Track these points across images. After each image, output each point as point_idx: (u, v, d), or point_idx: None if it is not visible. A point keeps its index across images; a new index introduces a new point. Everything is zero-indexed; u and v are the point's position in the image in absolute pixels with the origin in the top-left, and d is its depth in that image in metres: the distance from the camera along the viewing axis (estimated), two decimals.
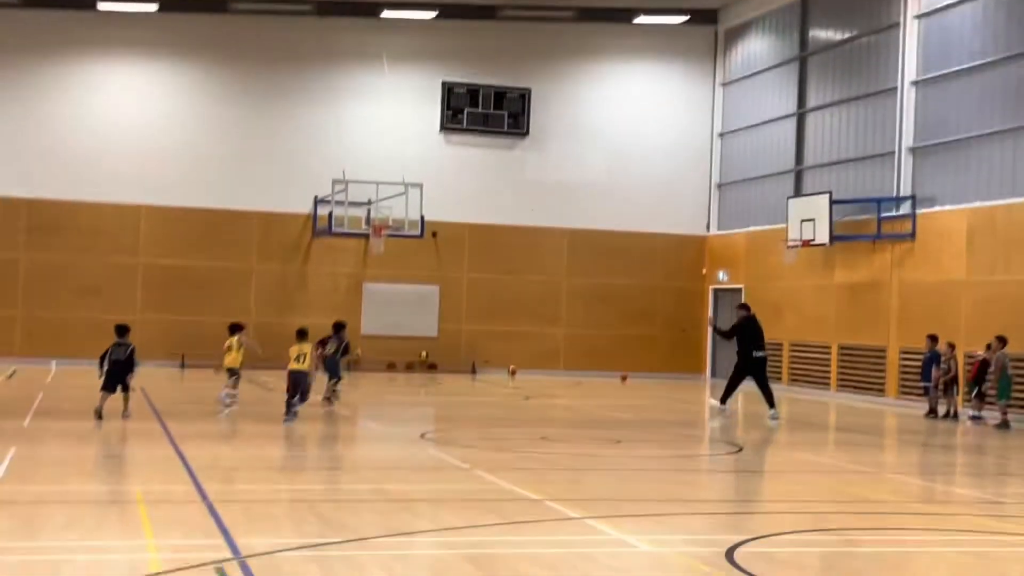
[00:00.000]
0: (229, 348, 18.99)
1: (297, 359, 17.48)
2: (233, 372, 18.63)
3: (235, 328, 19.43)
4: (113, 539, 8.83)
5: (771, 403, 20.58)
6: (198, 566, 7.88)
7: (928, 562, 8.99)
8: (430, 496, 11.23)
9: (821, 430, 20.75)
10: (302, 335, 17.97)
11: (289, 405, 17.30)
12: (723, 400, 21.45)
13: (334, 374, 20.13)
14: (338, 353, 20.44)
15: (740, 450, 16.28)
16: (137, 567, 7.90)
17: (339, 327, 20.63)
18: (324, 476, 12.54)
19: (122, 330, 17.47)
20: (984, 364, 20.94)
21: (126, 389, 17.01)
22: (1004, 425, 20.24)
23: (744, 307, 22.46)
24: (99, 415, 16.43)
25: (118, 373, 16.83)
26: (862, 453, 16.74)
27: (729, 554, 8.78)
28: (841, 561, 8.87)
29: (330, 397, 19.77)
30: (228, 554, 8.29)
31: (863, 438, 18.94)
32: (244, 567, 7.95)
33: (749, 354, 21.05)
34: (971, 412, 21.21)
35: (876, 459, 16.39)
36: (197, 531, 9.10)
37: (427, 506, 10.57)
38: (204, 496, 10.62)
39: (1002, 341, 20.70)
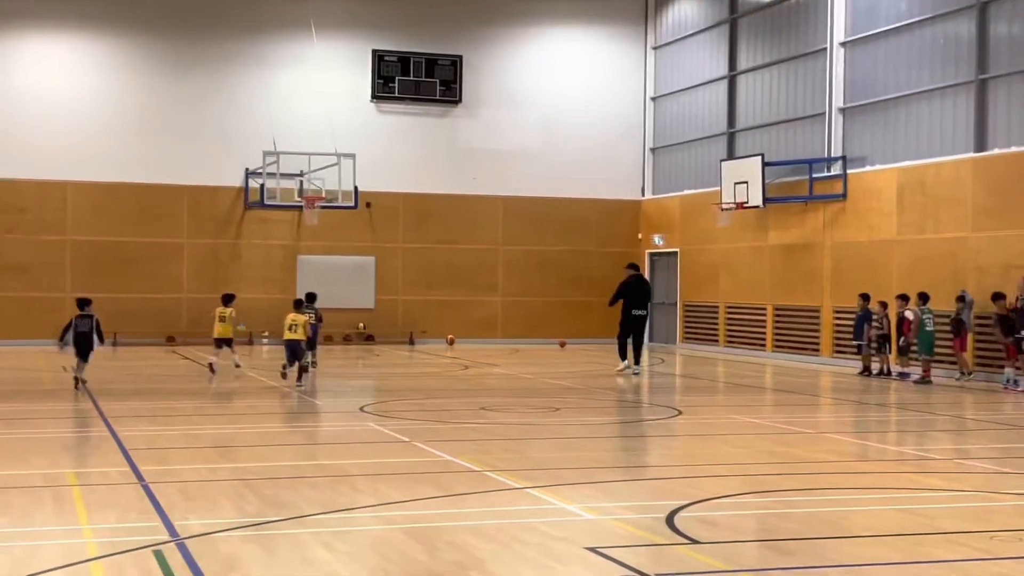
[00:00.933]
0: (222, 318, 20.80)
1: (291, 328, 18.52)
2: (225, 342, 20.75)
3: (228, 298, 21.31)
4: (47, 524, 8.73)
5: (637, 360, 22.45)
6: (136, 549, 7.83)
7: (863, 520, 9.14)
8: (370, 470, 11.21)
9: (758, 392, 21.01)
10: (298, 305, 19.48)
11: (300, 371, 18.69)
12: (623, 358, 22.55)
13: (311, 346, 20.36)
14: (316, 324, 20.88)
15: (679, 414, 16.43)
16: (73, 552, 7.82)
17: (312, 298, 21.10)
18: (262, 453, 12.46)
19: (83, 303, 18.47)
20: (902, 320, 21.38)
21: (85, 357, 17.98)
22: (925, 381, 20.66)
23: (632, 267, 23.72)
24: (77, 383, 17.76)
25: (86, 342, 17.92)
26: (798, 413, 16.98)
27: (669, 519, 8.89)
28: (779, 523, 8.99)
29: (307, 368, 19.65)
30: (166, 536, 8.24)
31: (799, 398, 19.21)
32: (182, 548, 7.90)
33: (629, 312, 22.43)
34: (896, 369, 21.81)
35: (812, 419, 16.63)
36: (133, 513, 9.03)
37: (367, 480, 10.56)
38: (140, 477, 10.52)
39: (923, 298, 21.12)
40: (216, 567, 7.43)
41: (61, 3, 29.55)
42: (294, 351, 18.62)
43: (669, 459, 12.95)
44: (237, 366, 21.27)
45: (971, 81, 22.50)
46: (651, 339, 32.22)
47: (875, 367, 22.35)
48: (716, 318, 29.98)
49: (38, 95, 29.32)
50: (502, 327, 32.55)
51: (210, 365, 20.76)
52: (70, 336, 18.17)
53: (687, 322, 31.40)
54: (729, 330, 29.53)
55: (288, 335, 18.62)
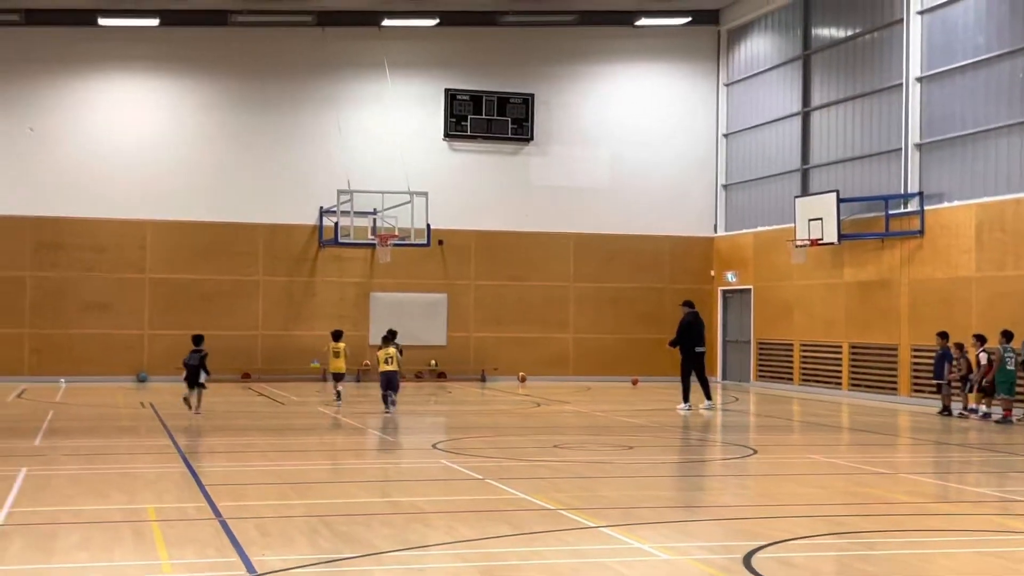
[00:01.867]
0: (336, 354, 22.73)
1: (386, 361, 20.65)
2: (340, 376, 22.79)
3: (338, 335, 23.32)
4: (127, 559, 8.83)
5: (708, 395, 22.73)
6: None
7: (947, 563, 8.96)
8: (443, 507, 11.22)
9: (834, 431, 20.70)
10: (387, 339, 21.12)
11: (385, 398, 20.72)
12: (685, 399, 22.49)
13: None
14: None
15: (754, 453, 16.25)
16: None
17: (393, 334, 21.87)
18: (337, 489, 12.53)
19: (196, 339, 20.76)
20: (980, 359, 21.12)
21: (195, 387, 20.07)
22: (1006, 421, 20.26)
23: (689, 304, 23.64)
24: (187, 403, 20.10)
25: (193, 374, 19.99)
26: (876, 453, 16.70)
27: (746, 560, 8.78)
28: (859, 565, 8.84)
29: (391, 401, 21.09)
30: (243, 572, 8.31)
31: (877, 438, 18.90)
32: None
33: (692, 350, 22.71)
34: (977, 408, 21.52)
35: (891, 459, 16.33)
36: (211, 549, 9.11)
37: (440, 518, 10.57)
38: (217, 513, 10.63)
39: (1006, 336, 20.78)
40: None
41: (139, 46, 30.28)
42: (390, 381, 20.65)
43: (744, 498, 12.79)
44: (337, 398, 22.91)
45: None
46: (724, 377, 32.03)
47: (955, 407, 21.95)
48: (791, 356, 29.66)
49: (118, 136, 30.03)
50: (573, 364, 32.48)
51: (337, 394, 22.86)
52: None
53: (761, 360, 31.10)
54: (804, 368, 29.19)
55: (384, 367, 20.59)
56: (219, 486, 12.26)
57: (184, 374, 20.17)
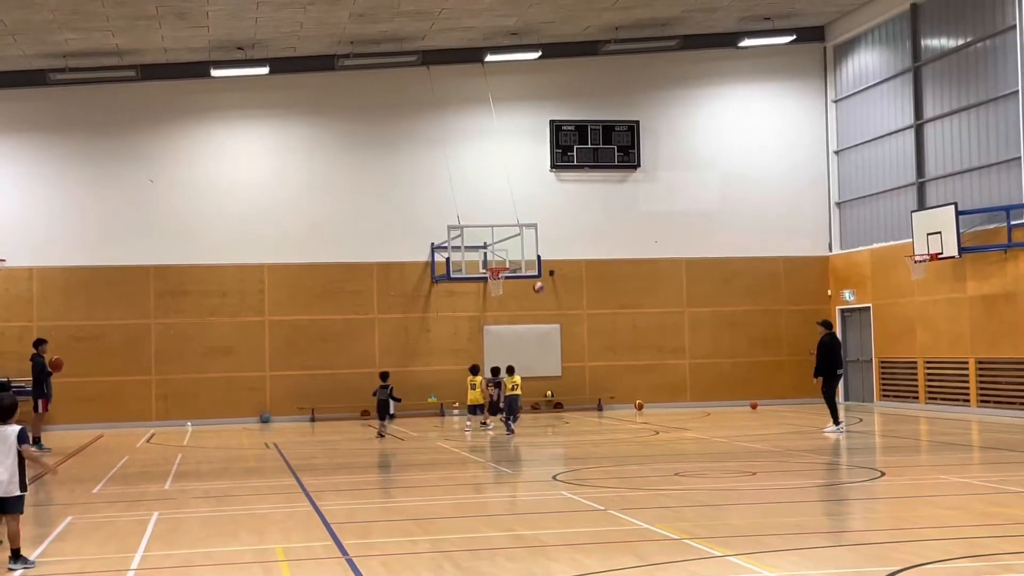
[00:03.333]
0: (473, 387, 25.11)
1: (512, 387, 24.11)
2: (477, 409, 25.27)
3: (476, 369, 25.63)
4: None
5: (836, 418, 22.61)
6: None
7: None
8: (566, 540, 11.16)
9: (965, 449, 20.09)
10: (510, 371, 24.46)
11: (507, 423, 23.98)
12: (836, 421, 22.52)
13: (512, 411, 24.45)
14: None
15: (882, 475, 15.86)
16: None
17: (511, 370, 24.71)
18: (458, 524, 12.54)
19: (383, 375, 25.00)
20: None
21: (385, 417, 24.23)
22: None
23: (826, 324, 23.35)
24: (380, 434, 23.94)
25: (384, 407, 24.12)
26: (1012, 471, 16.15)
27: None
28: None
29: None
30: None
31: (1011, 455, 18.29)
32: None
33: (833, 371, 22.40)
34: None
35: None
36: None
37: (564, 550, 10.52)
38: (344, 551, 10.73)
39: None
40: None
41: (251, 95, 31.03)
42: (512, 405, 23.98)
43: (875, 523, 12.46)
44: (484, 423, 25.32)
45: None
46: (847, 398, 31.38)
47: None
48: (915, 374, 28.95)
49: (233, 183, 30.77)
50: (691, 390, 32.18)
51: (483, 422, 25.21)
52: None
53: (884, 379, 30.41)
54: (929, 386, 28.46)
55: (510, 392, 24.09)
56: (344, 524, 12.39)
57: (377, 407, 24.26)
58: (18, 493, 10.53)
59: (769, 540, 10.74)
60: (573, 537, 11.38)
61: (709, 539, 10.78)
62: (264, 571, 10.01)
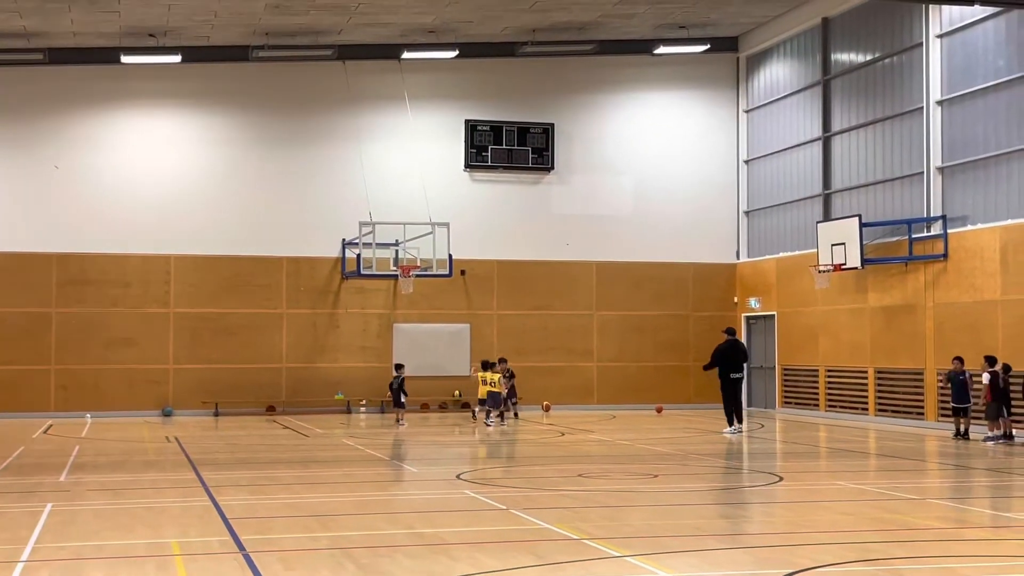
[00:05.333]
0: (484, 381, 25.75)
1: (490, 383, 25.49)
2: (483, 401, 25.82)
3: (487, 365, 26.24)
4: None
5: (740, 419, 23.92)
6: None
7: None
8: (467, 538, 11.15)
9: (861, 457, 20.49)
10: (487, 366, 26.04)
11: (487, 414, 25.76)
12: (730, 423, 23.66)
13: (511, 396, 27.41)
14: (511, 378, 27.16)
15: (780, 480, 16.11)
16: None
17: (502, 361, 27.00)
18: (360, 521, 12.46)
19: (397, 367, 26.80)
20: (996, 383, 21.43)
21: (397, 405, 26.22)
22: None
23: (729, 331, 24.75)
24: (397, 421, 26.18)
25: (396, 395, 26.19)
26: (904, 479, 16.51)
27: None
28: None
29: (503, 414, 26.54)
30: None
31: (904, 463, 18.69)
32: None
33: (728, 376, 23.71)
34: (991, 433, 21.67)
35: (919, 484, 16.15)
36: None
37: (464, 549, 10.50)
38: (241, 547, 10.58)
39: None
40: None
41: (162, 83, 30.54)
42: (495, 400, 25.58)
43: (771, 526, 12.64)
44: (487, 425, 25.67)
45: None
46: (750, 404, 31.82)
47: (977, 430, 21.89)
48: (816, 382, 29.49)
49: (142, 172, 30.23)
50: (598, 393, 32.39)
51: (487, 412, 25.86)
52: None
53: (786, 386, 30.92)
54: (829, 394, 29.00)
55: (488, 388, 25.48)
56: (243, 519, 12.23)
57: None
58: None
59: (667, 542, 10.83)
60: (473, 536, 11.36)
61: (608, 539, 10.84)
62: (158, 565, 9.83)
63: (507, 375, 26.72)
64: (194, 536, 11.34)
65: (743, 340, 31.81)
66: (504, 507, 13.09)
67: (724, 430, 23.59)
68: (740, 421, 23.85)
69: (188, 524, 12.06)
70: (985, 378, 21.28)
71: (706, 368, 24.52)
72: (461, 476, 16.35)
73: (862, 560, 9.97)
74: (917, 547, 10.72)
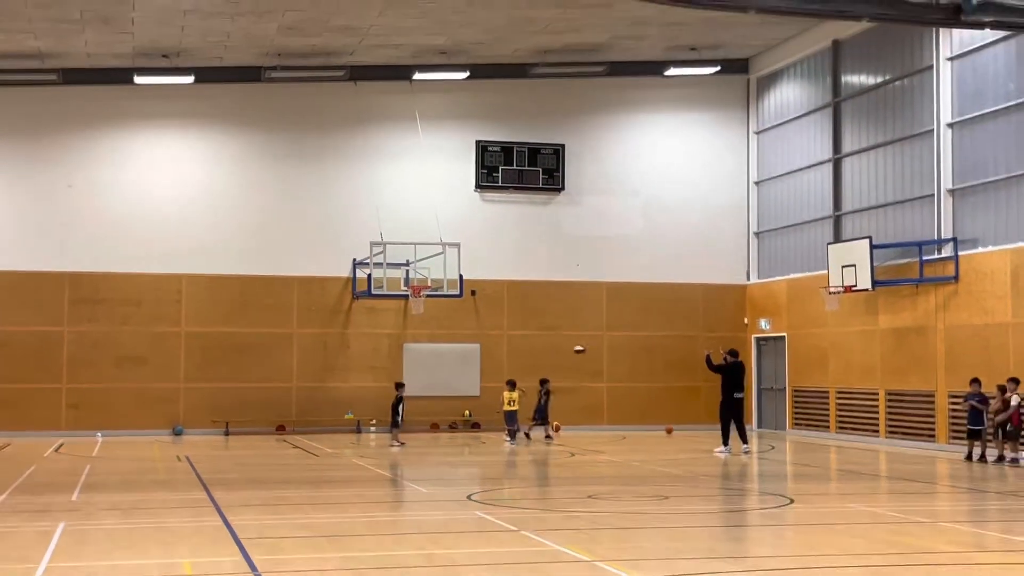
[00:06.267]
0: (511, 402, 27.23)
1: (510, 403, 27.10)
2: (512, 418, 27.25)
3: (513, 384, 27.33)
4: None
5: (744, 439, 24.10)
6: None
7: None
8: (478, 560, 11.12)
9: (872, 479, 20.42)
10: (511, 386, 27.28)
11: (511, 433, 27.05)
12: (725, 443, 23.96)
13: (542, 418, 28.18)
14: (544, 401, 28.16)
15: (791, 502, 16.06)
16: None
17: (544, 381, 28.23)
18: (371, 542, 12.44)
19: (397, 386, 26.91)
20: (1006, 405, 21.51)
21: (393, 426, 26.23)
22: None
23: (732, 353, 24.90)
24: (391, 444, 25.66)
25: (393, 415, 26.23)
26: (916, 502, 16.45)
27: None
28: None
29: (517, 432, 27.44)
30: None
31: (916, 486, 18.64)
32: None
33: (731, 395, 24.02)
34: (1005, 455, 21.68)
35: (930, 507, 16.08)
36: None
37: (475, 571, 10.48)
38: (253, 567, 10.58)
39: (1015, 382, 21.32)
40: None
41: (175, 104, 30.68)
42: (512, 419, 27.15)
43: (783, 549, 12.59)
44: (526, 435, 27.67)
45: None
46: (760, 425, 31.77)
47: (991, 454, 21.80)
48: (826, 403, 29.42)
49: (154, 192, 30.38)
50: (608, 414, 32.36)
51: (512, 433, 27.18)
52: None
53: (796, 407, 30.86)
54: (840, 415, 28.93)
55: (508, 408, 27.20)
56: (255, 540, 12.21)
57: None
58: None
59: (679, 564, 10.80)
60: (485, 557, 11.34)
61: (620, 561, 10.80)
62: None
63: (543, 394, 28.05)
64: (206, 556, 11.33)
65: (753, 361, 31.91)
66: (515, 528, 13.07)
67: (717, 449, 23.82)
68: (746, 442, 24.10)
69: (200, 545, 12.06)
70: (1015, 400, 21.12)
71: (711, 367, 24.61)
72: (472, 497, 16.32)
73: None
74: (930, 570, 10.67)
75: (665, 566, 10.67)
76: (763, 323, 32.17)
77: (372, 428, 30.43)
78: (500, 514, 14.36)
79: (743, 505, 16.61)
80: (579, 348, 30.44)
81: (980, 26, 17.63)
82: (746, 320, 32.99)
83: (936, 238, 25.62)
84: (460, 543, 12.32)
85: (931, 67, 26.03)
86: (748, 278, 33.26)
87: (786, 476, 20.90)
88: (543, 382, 28.21)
